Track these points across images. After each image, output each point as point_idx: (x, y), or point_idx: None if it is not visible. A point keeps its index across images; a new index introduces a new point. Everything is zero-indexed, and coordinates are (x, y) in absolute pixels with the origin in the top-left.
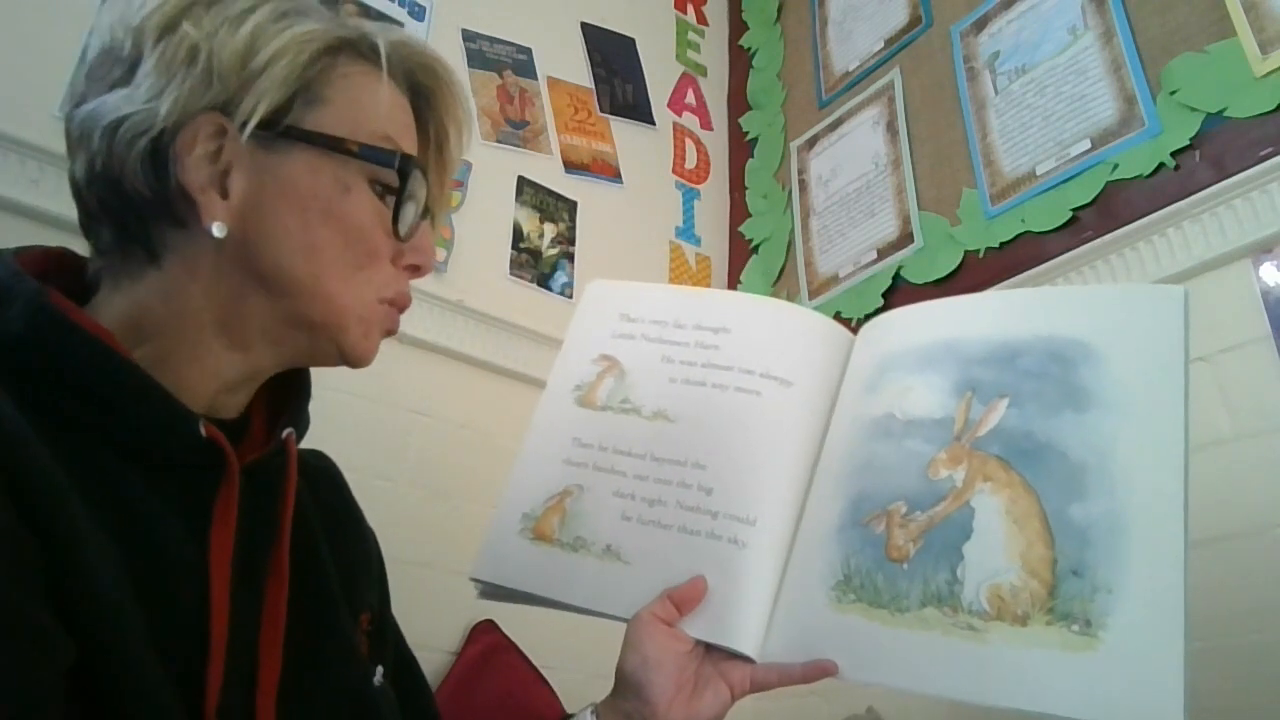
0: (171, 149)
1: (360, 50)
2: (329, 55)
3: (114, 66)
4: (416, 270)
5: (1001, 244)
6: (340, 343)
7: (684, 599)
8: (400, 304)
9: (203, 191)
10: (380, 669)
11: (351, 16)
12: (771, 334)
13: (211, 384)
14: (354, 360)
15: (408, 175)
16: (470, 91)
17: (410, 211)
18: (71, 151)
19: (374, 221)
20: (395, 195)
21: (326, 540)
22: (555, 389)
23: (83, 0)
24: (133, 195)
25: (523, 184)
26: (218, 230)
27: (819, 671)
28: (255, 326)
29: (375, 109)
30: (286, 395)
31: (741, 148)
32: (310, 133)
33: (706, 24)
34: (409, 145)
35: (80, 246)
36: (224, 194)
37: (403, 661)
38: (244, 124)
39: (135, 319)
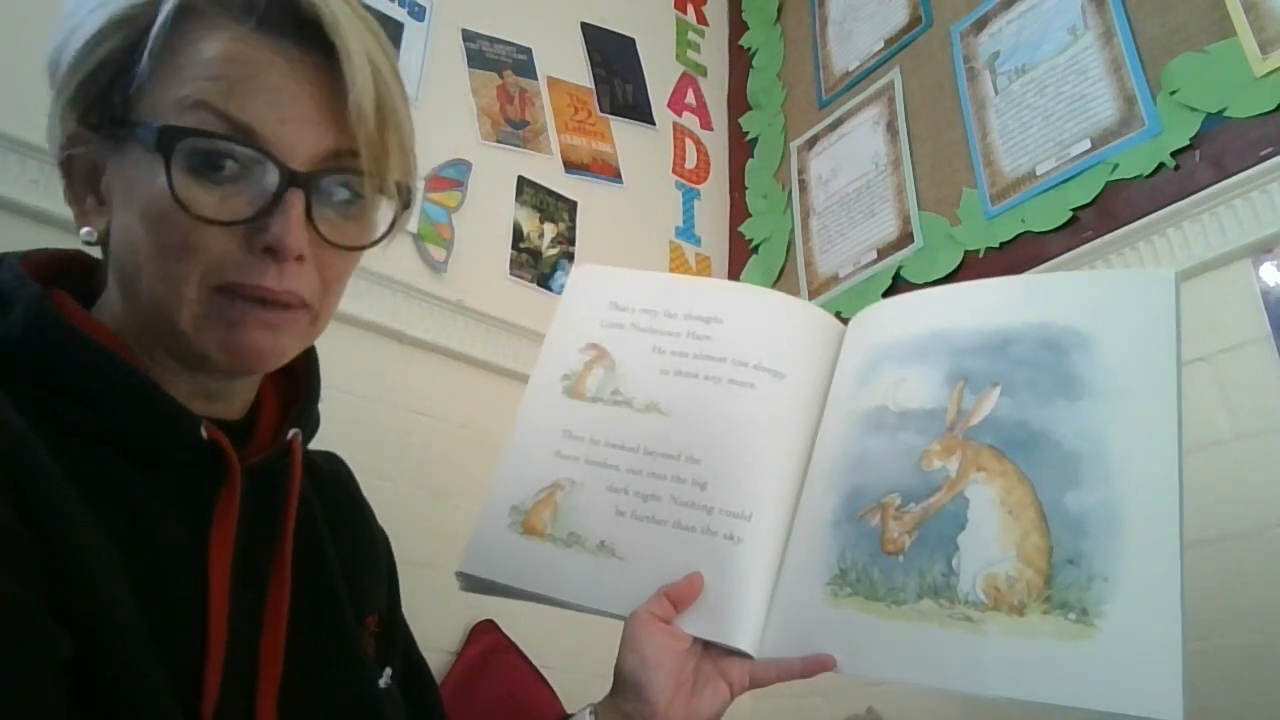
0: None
1: (185, 12)
2: (126, 29)
3: None
4: (271, 253)
5: (1001, 244)
6: (195, 348)
7: (680, 596)
8: (248, 294)
9: (75, 200)
10: (388, 671)
11: None
12: (764, 324)
13: (183, 390)
14: (226, 365)
15: (168, 148)
16: (466, 98)
17: (199, 186)
18: None
19: (183, 208)
20: (234, 163)
21: (333, 542)
22: (542, 378)
23: (84, 2)
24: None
25: (523, 184)
26: (85, 235)
27: (818, 666)
28: (150, 336)
29: (180, 74)
30: (295, 395)
31: (741, 148)
32: (119, 121)
33: (706, 24)
34: (253, 93)
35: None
36: (100, 200)
37: (412, 664)
38: (83, 122)
39: (118, 322)
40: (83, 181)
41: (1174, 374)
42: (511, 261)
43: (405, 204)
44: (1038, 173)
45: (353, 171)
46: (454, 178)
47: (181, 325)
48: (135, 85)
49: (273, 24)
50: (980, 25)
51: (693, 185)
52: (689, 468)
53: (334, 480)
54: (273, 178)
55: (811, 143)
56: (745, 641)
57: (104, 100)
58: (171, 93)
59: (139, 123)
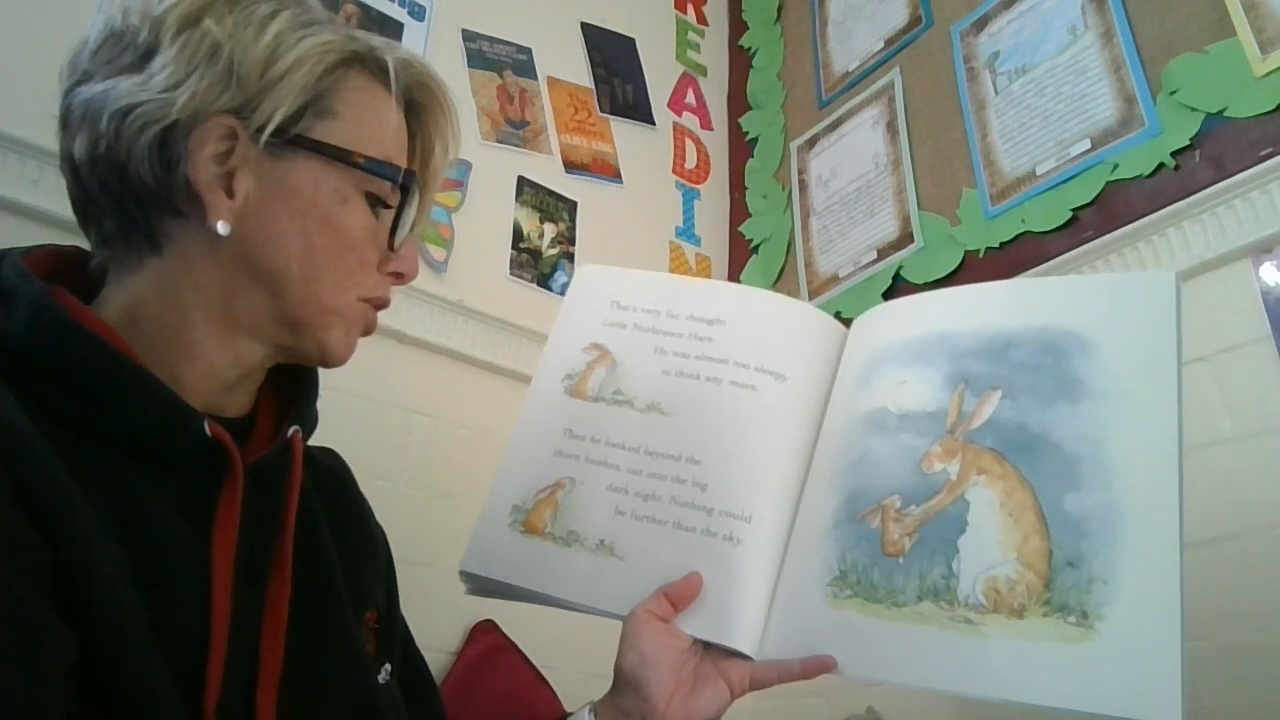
0: (184, 143)
1: (369, 66)
2: (342, 68)
3: (125, 52)
4: (400, 278)
5: (1001, 244)
6: (321, 341)
7: (679, 596)
8: (380, 305)
9: (210, 190)
10: (387, 667)
11: (352, 27)
12: (766, 327)
13: (208, 383)
14: (331, 358)
15: (409, 191)
16: (465, 98)
17: (406, 224)
18: (71, 129)
19: (366, 232)
20: (388, 208)
21: (333, 538)
22: (545, 377)
23: (83, 0)
24: (135, 181)
25: (523, 184)
26: (223, 229)
27: (818, 667)
28: (243, 321)
29: (380, 127)
30: (294, 393)
31: (741, 148)
32: (319, 143)
33: (706, 24)
34: (403, 161)
35: (85, 244)
36: (229, 194)
37: (410, 661)
38: (260, 129)
39: (132, 312)
40: (204, 174)
41: (1174, 376)
42: (511, 261)
43: None
44: (1038, 173)
45: None
46: (454, 178)
47: (325, 321)
48: (323, 115)
49: (403, 107)
50: (980, 25)
51: (693, 185)
52: (689, 468)
53: (333, 476)
54: (412, 220)
55: (811, 143)
56: (745, 643)
57: (292, 118)
58: (363, 136)
59: (349, 151)
